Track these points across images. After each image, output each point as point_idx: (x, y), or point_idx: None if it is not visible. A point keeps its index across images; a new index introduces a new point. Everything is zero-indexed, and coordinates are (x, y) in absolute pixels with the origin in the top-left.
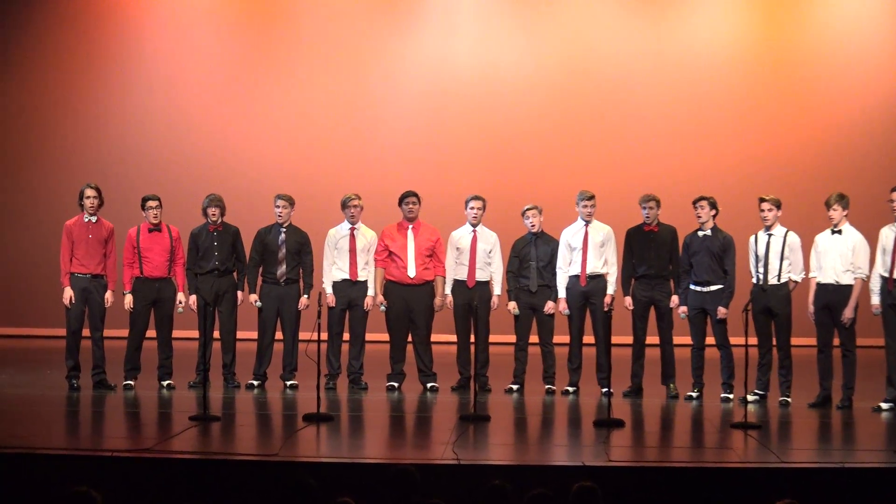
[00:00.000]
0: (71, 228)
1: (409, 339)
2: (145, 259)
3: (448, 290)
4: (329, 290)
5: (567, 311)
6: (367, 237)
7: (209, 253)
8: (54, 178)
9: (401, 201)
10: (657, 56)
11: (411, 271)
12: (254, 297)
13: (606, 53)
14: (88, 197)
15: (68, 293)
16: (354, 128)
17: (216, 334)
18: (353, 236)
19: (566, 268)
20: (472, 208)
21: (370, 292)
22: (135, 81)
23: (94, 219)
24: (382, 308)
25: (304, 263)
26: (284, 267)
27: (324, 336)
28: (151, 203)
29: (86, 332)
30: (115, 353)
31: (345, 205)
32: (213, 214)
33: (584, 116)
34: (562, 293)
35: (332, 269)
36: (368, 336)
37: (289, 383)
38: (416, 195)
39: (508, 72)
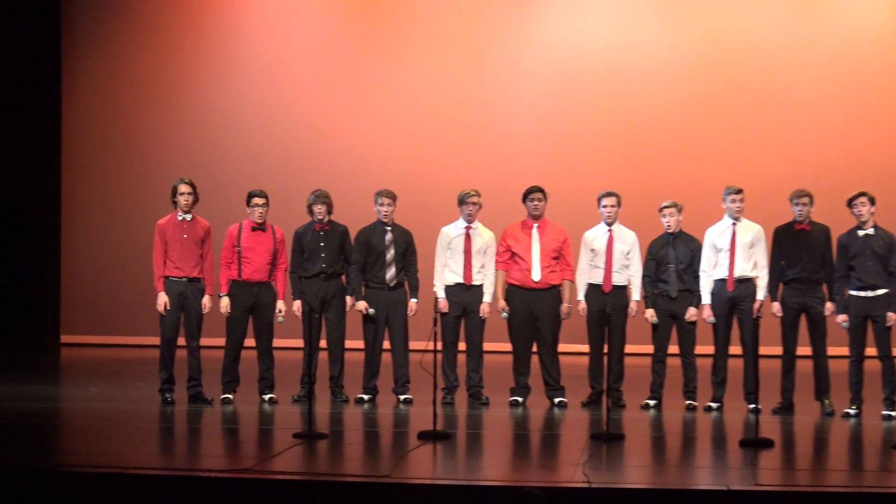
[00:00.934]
0: (164, 228)
1: (534, 348)
2: (245, 260)
3: (581, 296)
4: (441, 294)
5: (712, 319)
6: (483, 237)
7: (315, 254)
8: (146, 173)
9: (525, 198)
10: (805, 36)
11: (536, 274)
12: (363, 304)
13: (752, 33)
14: (183, 193)
15: (163, 299)
16: (472, 117)
17: (322, 343)
18: (468, 236)
19: (711, 271)
20: (606, 206)
21: (486, 298)
22: (233, 71)
23: (188, 217)
24: (504, 315)
25: (409, 264)
26: (394, 269)
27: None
28: (258, 200)
29: (181, 341)
30: (211, 363)
31: (462, 201)
32: (320, 212)
33: (728, 103)
34: (706, 299)
35: (445, 272)
36: (489, 345)
37: (402, 398)
38: (541, 191)
39: (644, 54)
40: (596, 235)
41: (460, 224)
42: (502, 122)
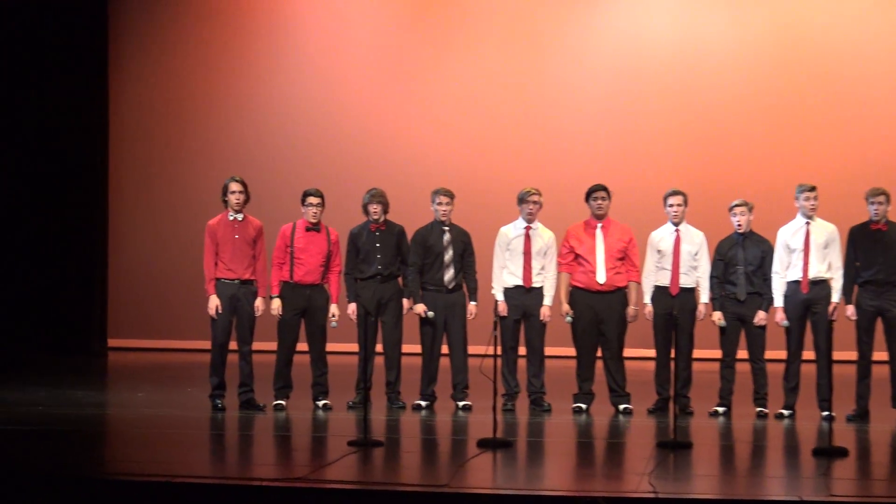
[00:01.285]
0: (214, 228)
1: (599, 353)
2: (298, 261)
3: (647, 299)
4: (500, 297)
5: (785, 322)
6: (544, 238)
7: (371, 255)
8: (195, 173)
9: (588, 196)
10: (878, 28)
11: (601, 276)
12: (421, 306)
13: (823, 26)
14: (233, 192)
15: (214, 302)
16: (532, 114)
17: (378, 348)
18: (528, 236)
19: (783, 272)
20: (672, 205)
21: (546, 301)
22: (285, 68)
23: (240, 216)
24: (568, 318)
25: (468, 266)
26: (452, 271)
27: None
28: (313, 199)
29: (232, 345)
30: (263, 368)
31: (522, 200)
32: (375, 212)
33: (800, 98)
34: (779, 301)
35: (503, 274)
36: (551, 350)
37: (461, 404)
38: (605, 189)
39: (711, 48)
40: (662, 236)
41: (520, 224)
42: (564, 119)
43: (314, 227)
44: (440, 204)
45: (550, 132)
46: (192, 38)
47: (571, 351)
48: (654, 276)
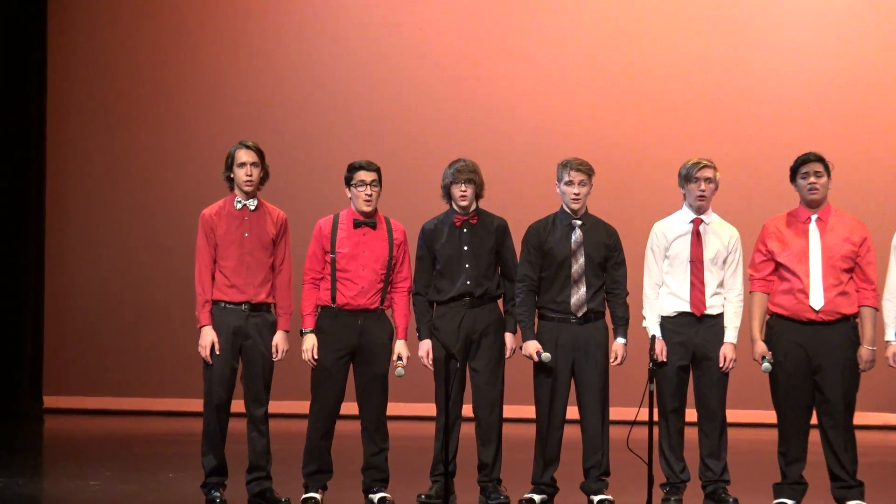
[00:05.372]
0: (213, 221)
1: (814, 420)
2: (343, 275)
3: (892, 334)
4: (656, 331)
5: None
6: (722, 237)
7: (456, 264)
8: (168, 163)
9: (795, 172)
10: None
11: (817, 299)
12: (534, 345)
13: None
14: (243, 164)
15: (209, 337)
16: (702, 65)
17: (467, 410)
18: (697, 234)
19: None
20: None
21: (729, 337)
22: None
23: (252, 204)
24: (766, 365)
25: (613, 282)
26: (583, 290)
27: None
28: (365, 174)
29: (237, 405)
30: (286, 442)
31: (688, 177)
32: (463, 196)
33: None
34: None
35: (662, 294)
36: (734, 414)
37: (597, 499)
38: (822, 161)
39: None
40: None
41: (685, 216)
42: (752, 68)
43: (368, 221)
44: (570, 184)
45: (732, 84)
46: None
47: (770, 416)
48: None
